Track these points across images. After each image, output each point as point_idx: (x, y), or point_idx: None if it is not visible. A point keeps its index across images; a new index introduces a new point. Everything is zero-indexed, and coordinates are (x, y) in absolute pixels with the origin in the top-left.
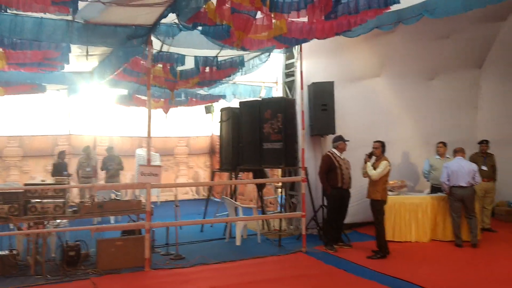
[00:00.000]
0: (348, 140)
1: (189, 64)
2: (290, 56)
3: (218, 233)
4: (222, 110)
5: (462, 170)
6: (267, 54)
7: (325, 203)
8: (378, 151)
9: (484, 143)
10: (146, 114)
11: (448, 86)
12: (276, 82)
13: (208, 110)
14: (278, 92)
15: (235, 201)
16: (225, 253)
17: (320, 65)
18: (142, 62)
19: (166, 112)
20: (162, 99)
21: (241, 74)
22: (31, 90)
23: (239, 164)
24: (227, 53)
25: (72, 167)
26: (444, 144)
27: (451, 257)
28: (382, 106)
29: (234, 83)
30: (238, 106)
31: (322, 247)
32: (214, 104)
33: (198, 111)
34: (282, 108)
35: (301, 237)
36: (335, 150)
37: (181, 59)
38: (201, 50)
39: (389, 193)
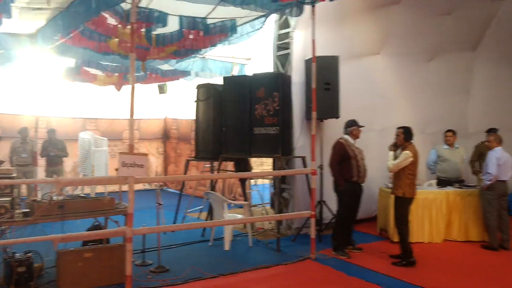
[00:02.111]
0: (363, 126)
1: (169, 26)
2: (284, 25)
3: (194, 233)
4: (199, 87)
5: (508, 163)
6: (262, 20)
7: (324, 199)
8: (400, 139)
9: (493, 131)
10: (92, 92)
11: (445, 68)
12: (250, 58)
13: (162, 89)
14: (251, 70)
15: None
16: (218, 262)
17: (317, 38)
18: (109, 22)
19: (118, 89)
20: (116, 74)
21: (227, 44)
22: None
23: (222, 152)
24: (218, 15)
25: (2, 152)
26: (454, 132)
27: (487, 262)
28: (380, 87)
29: (203, 57)
30: (222, 83)
31: (329, 252)
32: (175, 82)
33: (150, 90)
34: (279, 85)
35: (297, 239)
36: (348, 137)
37: (162, 18)
38: (190, 6)
39: None
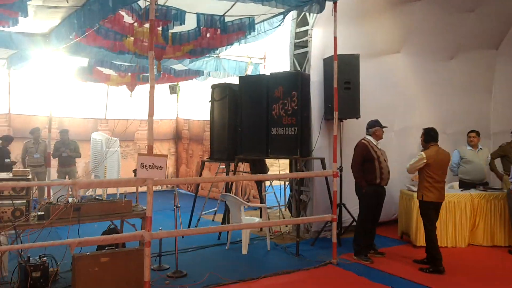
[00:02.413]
0: (386, 126)
1: (185, 25)
2: (301, 23)
3: (209, 236)
4: (214, 87)
5: None
6: (281, 17)
7: (344, 201)
8: (421, 140)
9: None
10: (104, 92)
11: (466, 67)
12: (264, 58)
13: (173, 90)
14: (266, 69)
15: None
16: (236, 267)
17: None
18: (125, 20)
19: (131, 89)
20: (129, 74)
21: (243, 43)
22: None
23: (237, 153)
24: (236, 13)
25: (15, 153)
26: (478, 133)
27: None
28: (400, 86)
29: (217, 57)
30: (238, 82)
31: (350, 256)
32: (187, 82)
33: (161, 90)
34: (298, 84)
35: (316, 242)
36: (370, 138)
37: (180, 16)
38: (208, 4)
39: None
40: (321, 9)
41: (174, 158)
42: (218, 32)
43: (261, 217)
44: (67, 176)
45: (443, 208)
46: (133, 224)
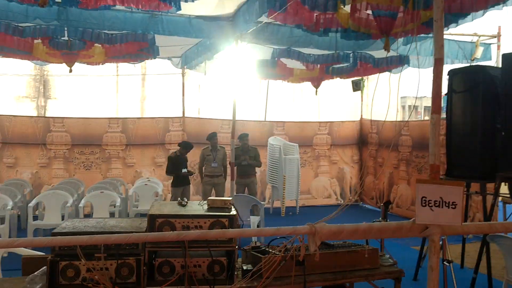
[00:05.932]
0: None
1: None
2: None
3: None
4: (454, 72)
5: None
6: None
7: None
8: None
9: None
10: (284, 92)
11: None
12: (498, 36)
13: (357, 86)
14: (500, 51)
15: None
16: None
17: None
18: None
19: (317, 86)
20: (318, 65)
21: None
22: None
23: (500, 169)
24: None
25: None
26: None
27: None
28: None
29: None
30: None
31: None
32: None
33: (342, 87)
34: None
35: None
36: None
37: None
38: None
39: None
40: None
41: (358, 167)
42: None
43: None
44: (246, 189)
45: None
46: None
